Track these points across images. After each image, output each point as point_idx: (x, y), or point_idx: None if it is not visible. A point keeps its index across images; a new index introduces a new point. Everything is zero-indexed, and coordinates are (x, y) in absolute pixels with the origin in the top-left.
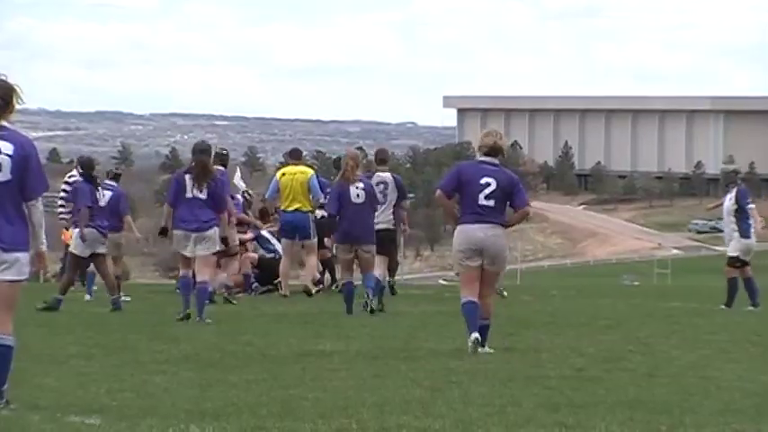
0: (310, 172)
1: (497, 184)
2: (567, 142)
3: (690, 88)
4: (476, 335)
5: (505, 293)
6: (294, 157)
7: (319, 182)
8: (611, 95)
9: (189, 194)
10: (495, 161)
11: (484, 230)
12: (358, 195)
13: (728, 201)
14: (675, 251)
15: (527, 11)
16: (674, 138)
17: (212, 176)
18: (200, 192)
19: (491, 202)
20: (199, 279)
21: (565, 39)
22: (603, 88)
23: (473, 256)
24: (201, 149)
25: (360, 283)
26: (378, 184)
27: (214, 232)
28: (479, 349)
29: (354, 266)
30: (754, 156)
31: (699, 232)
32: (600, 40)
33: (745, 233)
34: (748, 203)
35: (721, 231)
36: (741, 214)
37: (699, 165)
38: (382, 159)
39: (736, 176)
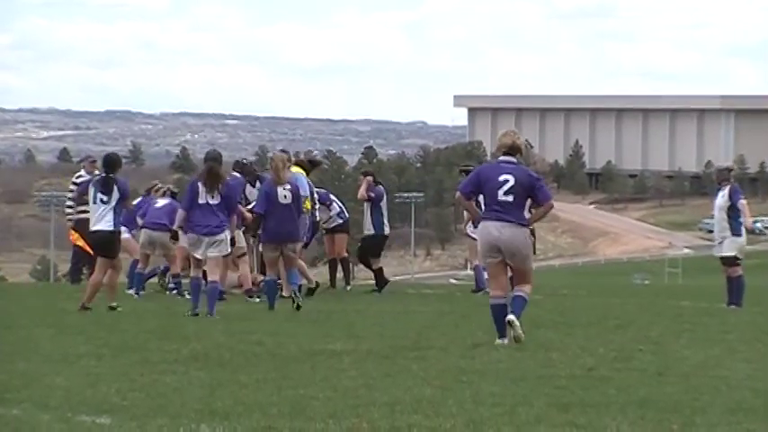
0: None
1: (516, 180)
2: (577, 141)
3: (700, 87)
4: (504, 341)
5: None
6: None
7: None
8: (621, 95)
9: (202, 200)
10: (514, 160)
11: (500, 229)
12: (285, 196)
13: (721, 198)
14: (686, 250)
15: (537, 10)
16: (685, 137)
17: (222, 182)
18: (213, 197)
19: (510, 198)
20: (210, 279)
21: (575, 38)
22: (614, 87)
23: (493, 252)
24: (212, 157)
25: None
26: None
27: (225, 236)
28: (509, 317)
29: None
30: (765, 155)
31: (709, 231)
32: (610, 40)
33: (737, 231)
34: (740, 199)
35: None
36: (734, 212)
37: (709, 164)
38: None
39: (729, 174)
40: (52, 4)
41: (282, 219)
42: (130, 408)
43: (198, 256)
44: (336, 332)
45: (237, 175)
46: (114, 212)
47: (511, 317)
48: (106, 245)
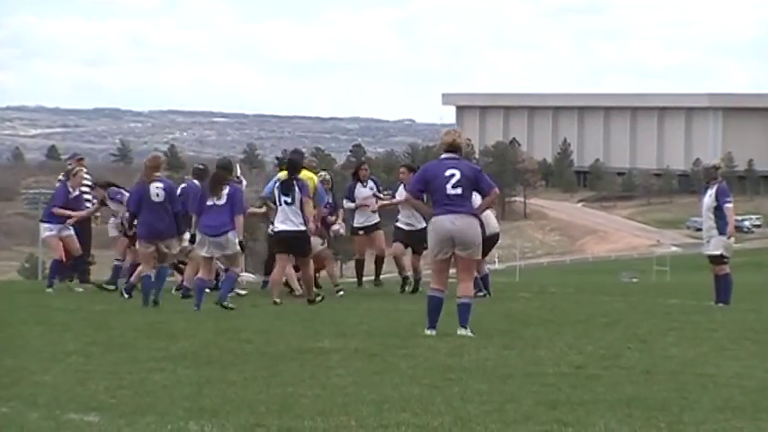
0: (314, 177)
1: (462, 173)
2: (565, 139)
3: (688, 85)
4: (432, 332)
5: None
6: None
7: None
8: (609, 93)
9: (210, 202)
10: (456, 156)
11: (453, 220)
12: (158, 194)
13: (708, 197)
14: (674, 248)
15: (526, 8)
16: (673, 135)
17: (226, 185)
18: (219, 199)
19: (458, 191)
20: (229, 272)
21: (564, 36)
22: (602, 86)
23: (445, 247)
24: (220, 165)
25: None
26: None
27: (230, 236)
28: (460, 331)
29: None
30: (753, 153)
31: (697, 229)
32: (599, 38)
33: (724, 230)
34: (726, 202)
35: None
36: (720, 212)
37: (697, 162)
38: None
39: (716, 173)
40: (41, 1)
41: (156, 216)
42: (119, 405)
43: (205, 255)
44: (325, 330)
45: (196, 181)
46: (299, 212)
47: (461, 331)
48: (296, 244)
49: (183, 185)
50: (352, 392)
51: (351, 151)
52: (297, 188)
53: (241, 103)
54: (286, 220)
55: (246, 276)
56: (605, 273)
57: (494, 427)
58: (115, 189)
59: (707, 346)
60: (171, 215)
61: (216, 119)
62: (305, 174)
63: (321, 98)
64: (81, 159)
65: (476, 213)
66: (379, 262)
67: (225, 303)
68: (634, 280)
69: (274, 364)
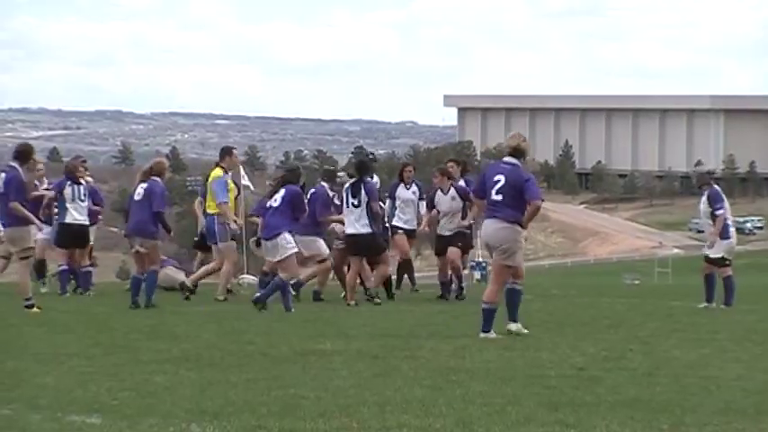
0: (216, 174)
1: (506, 180)
2: (567, 141)
3: (690, 87)
4: (486, 335)
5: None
6: (219, 156)
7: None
8: (611, 94)
9: (268, 204)
10: (514, 161)
11: (490, 225)
12: (138, 193)
13: (703, 204)
14: (676, 250)
15: (528, 9)
16: (675, 137)
17: (283, 185)
18: (275, 201)
19: (500, 197)
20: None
21: (566, 37)
22: (604, 87)
23: (490, 250)
24: (287, 169)
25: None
26: None
27: (279, 240)
28: (481, 335)
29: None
30: (755, 155)
31: (699, 231)
32: (601, 39)
33: (724, 234)
34: (717, 209)
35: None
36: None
37: (699, 163)
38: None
39: (709, 178)
40: (43, 3)
41: (133, 215)
42: (121, 407)
43: (267, 258)
44: (327, 332)
45: (325, 184)
46: (367, 215)
47: (482, 335)
48: (366, 246)
49: (312, 190)
50: (354, 394)
51: (353, 153)
52: (364, 191)
53: (243, 105)
54: (354, 224)
55: (247, 278)
56: (607, 275)
57: (496, 428)
58: (61, 181)
59: (709, 348)
60: (148, 214)
61: (218, 121)
62: (216, 171)
63: (323, 100)
64: (84, 162)
65: (514, 221)
66: (401, 268)
67: (291, 309)
68: (636, 282)
69: (276, 366)
